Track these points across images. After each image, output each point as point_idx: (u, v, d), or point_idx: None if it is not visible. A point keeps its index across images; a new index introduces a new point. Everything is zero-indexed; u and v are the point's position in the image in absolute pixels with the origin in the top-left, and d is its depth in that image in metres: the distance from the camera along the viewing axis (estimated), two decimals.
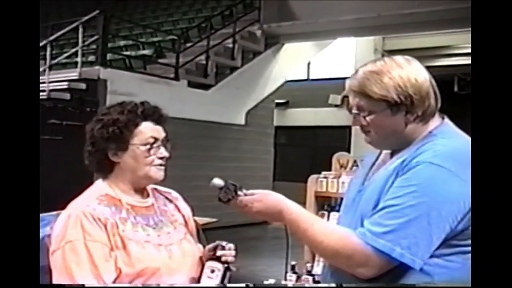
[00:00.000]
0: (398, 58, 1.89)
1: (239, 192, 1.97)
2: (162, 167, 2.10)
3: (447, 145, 1.80)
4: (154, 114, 2.10)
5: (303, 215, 1.89)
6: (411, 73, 1.83)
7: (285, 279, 3.79)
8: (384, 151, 2.01)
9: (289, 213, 1.90)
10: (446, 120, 1.93)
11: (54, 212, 2.13)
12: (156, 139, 2.07)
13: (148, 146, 2.06)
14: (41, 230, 2.09)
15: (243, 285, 1.96)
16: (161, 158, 2.08)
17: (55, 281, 1.94)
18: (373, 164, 2.03)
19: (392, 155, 1.95)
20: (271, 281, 3.72)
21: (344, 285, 1.91)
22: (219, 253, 2.10)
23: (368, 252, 1.71)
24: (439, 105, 1.89)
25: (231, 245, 2.14)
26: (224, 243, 2.13)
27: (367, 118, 1.87)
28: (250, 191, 1.98)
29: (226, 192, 1.98)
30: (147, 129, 2.07)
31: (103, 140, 2.05)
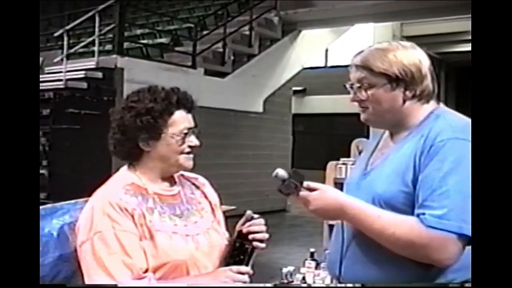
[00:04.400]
0: (405, 43, 2.02)
1: (301, 186, 1.94)
2: (191, 155, 2.07)
3: (458, 120, 1.90)
4: (187, 102, 2.07)
5: (367, 208, 1.88)
6: (414, 55, 1.95)
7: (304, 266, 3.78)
8: (384, 137, 2.09)
9: (352, 208, 1.90)
10: (442, 104, 2.02)
11: (73, 201, 2.12)
12: (189, 128, 2.05)
13: (182, 135, 2.03)
14: (60, 219, 2.08)
15: (270, 285, 1.92)
16: (191, 146, 2.05)
17: (85, 273, 1.91)
18: (374, 150, 2.10)
19: (392, 138, 2.03)
20: (291, 269, 3.71)
21: (348, 285, 1.93)
22: (246, 225, 2.05)
23: (442, 236, 1.73)
24: (435, 91, 1.99)
25: (262, 220, 2.09)
26: (255, 215, 2.08)
27: (368, 92, 1.95)
28: (313, 184, 1.96)
29: (287, 186, 1.94)
30: (182, 119, 2.04)
31: (135, 129, 1.99)
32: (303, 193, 1.94)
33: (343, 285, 1.99)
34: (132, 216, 1.93)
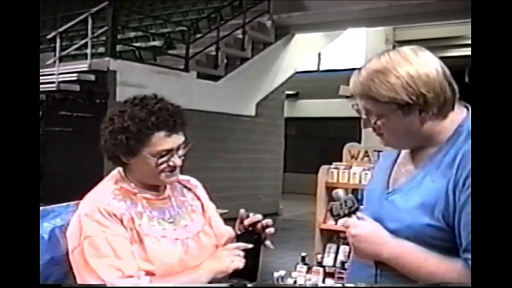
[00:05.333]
0: (405, 50, 1.70)
1: (354, 213, 1.80)
2: (174, 173, 2.01)
3: None
4: (168, 124, 1.95)
5: (413, 250, 1.68)
6: (421, 68, 1.65)
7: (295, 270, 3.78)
8: (403, 150, 1.88)
9: (397, 246, 1.71)
10: (470, 110, 1.76)
11: (64, 204, 2.12)
12: (168, 150, 1.96)
13: (158, 157, 1.95)
14: (51, 222, 2.08)
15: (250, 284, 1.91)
16: (172, 166, 1.99)
17: (79, 280, 1.90)
18: (394, 162, 1.89)
19: (413, 152, 1.81)
20: (282, 273, 3.71)
21: (346, 285, 1.88)
22: (247, 220, 2.03)
23: None
24: (457, 95, 1.72)
25: (259, 215, 2.05)
26: (250, 214, 2.05)
27: (378, 122, 1.72)
28: (366, 218, 1.80)
29: (341, 207, 1.83)
30: (160, 141, 1.94)
31: (112, 144, 1.96)
32: (349, 219, 1.79)
33: (331, 285, 1.95)
34: (121, 221, 1.92)
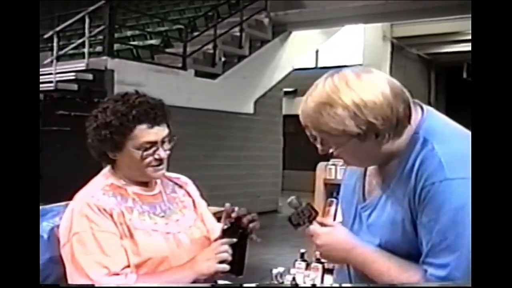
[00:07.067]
0: (348, 75, 1.63)
1: (314, 219, 1.83)
2: (160, 167, 2.05)
3: (448, 148, 1.64)
4: (149, 117, 2.00)
5: (377, 258, 1.72)
6: (366, 95, 1.59)
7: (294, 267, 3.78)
8: None
9: (362, 253, 1.74)
10: (426, 110, 1.74)
11: (63, 203, 2.12)
12: (152, 143, 2.00)
13: (143, 149, 2.00)
14: (50, 221, 2.09)
15: (253, 285, 1.91)
16: (158, 159, 2.03)
17: (69, 275, 1.93)
18: (364, 175, 1.87)
19: (379, 166, 1.79)
20: (281, 270, 3.71)
21: (343, 285, 1.89)
22: (233, 214, 2.05)
23: None
24: (411, 105, 1.67)
25: (244, 209, 2.08)
26: (235, 208, 2.07)
27: (335, 152, 1.70)
28: (326, 221, 1.84)
29: (299, 216, 1.84)
30: (142, 133, 1.99)
31: (97, 141, 2.02)
32: (314, 226, 1.81)
33: (327, 285, 1.96)
34: (111, 216, 1.95)
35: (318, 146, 1.73)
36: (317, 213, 1.85)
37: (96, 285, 1.86)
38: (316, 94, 1.66)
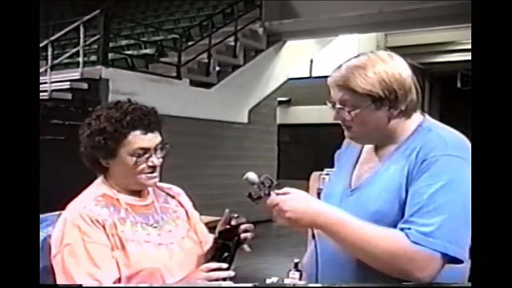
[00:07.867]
0: (382, 53, 1.90)
1: (273, 191, 1.83)
2: (153, 174, 2.05)
3: (450, 136, 1.83)
4: (143, 123, 2.01)
5: (349, 218, 1.77)
6: (395, 68, 1.84)
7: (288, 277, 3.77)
8: (366, 149, 2.00)
9: (331, 213, 1.80)
10: (427, 116, 1.95)
11: (57, 212, 2.12)
12: (145, 149, 2.00)
13: (136, 156, 2.00)
14: (44, 231, 2.08)
15: (250, 285, 1.90)
16: (151, 167, 2.03)
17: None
18: (355, 162, 2.00)
19: (377, 151, 1.95)
20: (274, 279, 3.70)
21: (342, 285, 1.89)
22: (233, 222, 2.06)
23: (426, 253, 1.67)
24: (420, 101, 1.91)
25: (243, 219, 2.08)
26: (234, 215, 2.07)
27: (352, 113, 1.86)
28: (284, 189, 1.86)
29: (259, 188, 1.84)
30: (136, 139, 1.99)
31: (90, 147, 2.01)
32: (275, 197, 1.83)
33: (326, 285, 1.97)
34: (103, 227, 1.94)
35: (334, 112, 1.91)
36: (276, 182, 1.86)
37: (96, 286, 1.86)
38: (351, 62, 1.88)
